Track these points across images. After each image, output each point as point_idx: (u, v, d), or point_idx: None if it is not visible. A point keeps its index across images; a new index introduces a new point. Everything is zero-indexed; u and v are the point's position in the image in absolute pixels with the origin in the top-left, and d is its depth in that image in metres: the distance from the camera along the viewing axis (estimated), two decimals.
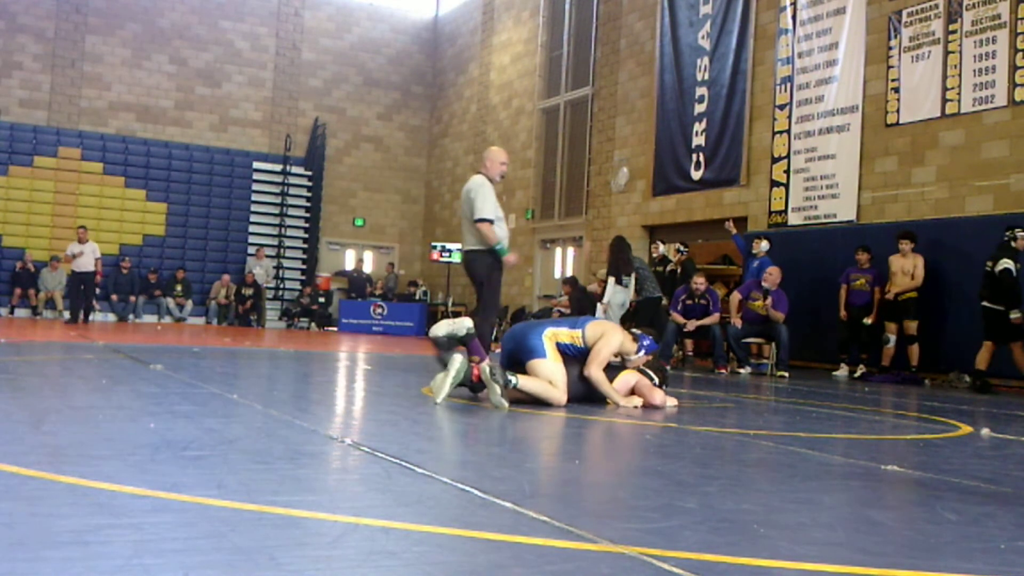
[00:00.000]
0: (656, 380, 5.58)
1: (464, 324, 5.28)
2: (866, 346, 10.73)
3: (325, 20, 23.21)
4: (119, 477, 2.49)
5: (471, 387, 5.08)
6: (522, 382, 5.02)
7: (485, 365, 4.92)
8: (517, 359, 5.34)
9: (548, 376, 5.16)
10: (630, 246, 11.54)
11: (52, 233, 19.75)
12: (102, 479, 2.44)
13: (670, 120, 15.01)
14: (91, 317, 16.33)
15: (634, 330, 5.69)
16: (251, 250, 21.22)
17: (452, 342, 5.20)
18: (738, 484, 3.08)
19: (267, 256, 21.12)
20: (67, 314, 16.79)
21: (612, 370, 5.51)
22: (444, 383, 4.94)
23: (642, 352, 5.50)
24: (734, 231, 12.45)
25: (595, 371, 5.32)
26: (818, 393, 7.78)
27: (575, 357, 5.36)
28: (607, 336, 5.34)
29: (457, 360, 4.98)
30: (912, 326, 10.22)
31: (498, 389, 4.83)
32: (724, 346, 10.95)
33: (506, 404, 4.85)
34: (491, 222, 6.61)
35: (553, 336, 5.30)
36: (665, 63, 15.24)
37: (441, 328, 5.28)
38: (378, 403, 5.05)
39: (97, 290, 17.29)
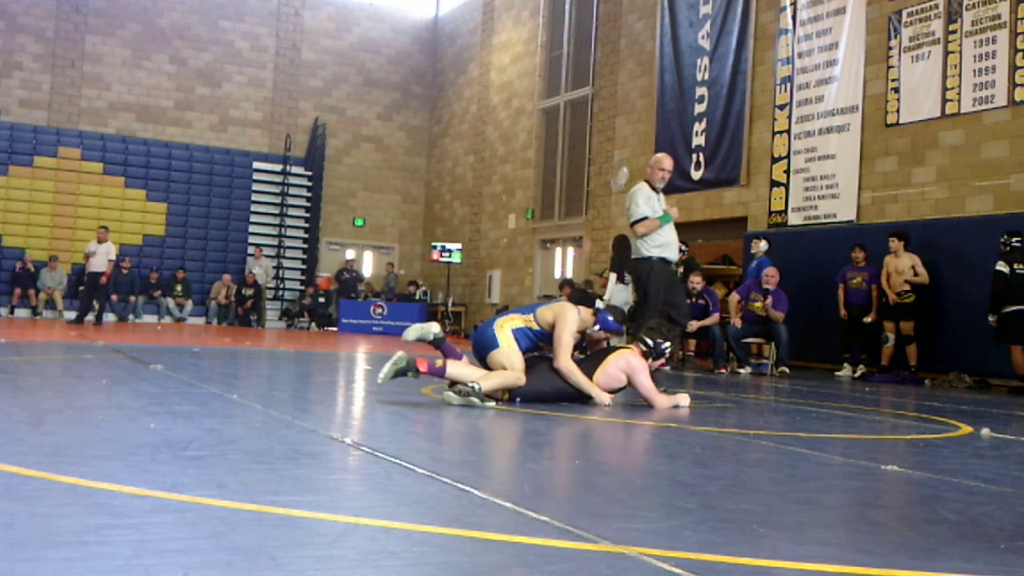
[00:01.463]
0: (651, 344, 5.43)
1: (431, 329, 5.29)
2: (865, 345, 10.73)
3: (325, 20, 23.21)
4: (119, 477, 2.49)
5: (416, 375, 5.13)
6: (483, 385, 4.96)
7: (451, 392, 4.92)
8: (481, 358, 5.33)
9: (502, 363, 5.11)
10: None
11: (52, 233, 19.76)
12: (102, 479, 2.44)
13: (670, 120, 15.01)
14: (103, 318, 16.17)
15: (598, 304, 5.66)
16: (251, 250, 21.21)
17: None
18: (738, 484, 3.08)
19: (267, 256, 21.11)
20: (67, 314, 16.78)
21: (601, 354, 5.43)
22: (386, 368, 4.98)
23: (598, 327, 5.44)
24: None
25: (564, 362, 5.22)
26: (818, 393, 7.78)
27: (534, 343, 5.30)
28: (561, 318, 5.24)
29: (397, 355, 5.02)
30: (908, 326, 10.22)
31: (474, 399, 4.84)
32: (724, 346, 10.95)
33: (491, 403, 4.84)
34: (643, 219, 6.96)
35: (506, 323, 5.28)
36: (665, 63, 15.24)
37: (411, 333, 5.31)
38: (378, 403, 5.05)
39: (114, 295, 17.23)
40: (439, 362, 5.06)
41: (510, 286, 19.75)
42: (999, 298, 9.21)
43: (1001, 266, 9.21)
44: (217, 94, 22.16)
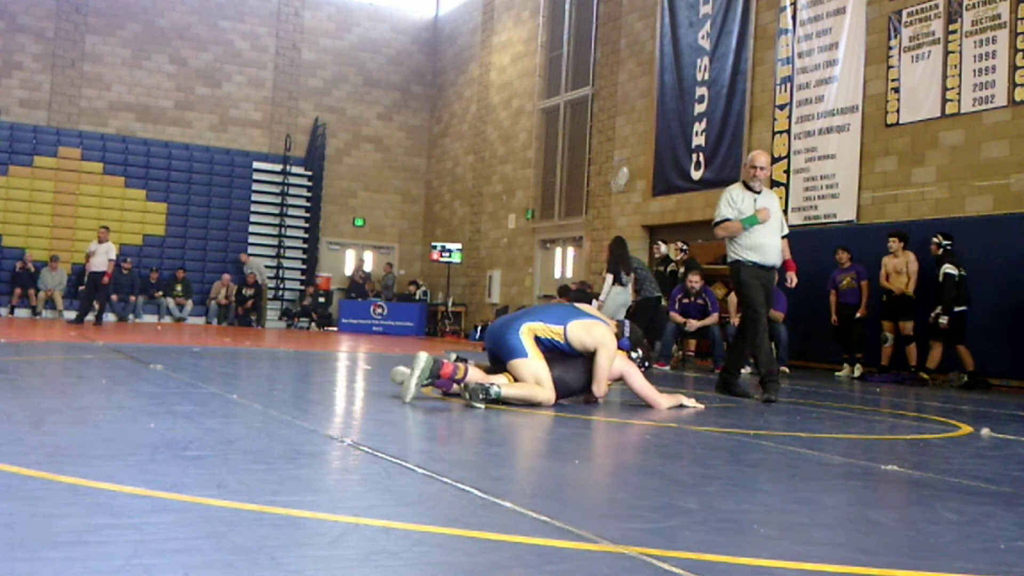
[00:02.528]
0: (639, 355, 5.51)
1: (419, 361, 4.92)
2: (861, 344, 10.74)
3: (325, 20, 23.21)
4: (119, 477, 2.49)
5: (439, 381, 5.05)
6: (505, 391, 4.85)
7: (463, 386, 4.84)
8: (498, 358, 5.21)
9: (532, 376, 4.98)
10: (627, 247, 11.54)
11: (52, 233, 19.76)
12: (102, 479, 2.44)
13: (670, 120, 15.01)
14: (103, 318, 16.17)
15: (624, 322, 5.61)
16: (251, 250, 21.21)
17: (424, 377, 4.94)
18: (738, 484, 3.08)
19: (260, 256, 21.06)
20: (67, 314, 16.71)
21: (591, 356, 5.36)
22: (410, 382, 4.86)
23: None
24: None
25: (603, 390, 5.26)
26: (818, 393, 7.78)
27: (551, 351, 5.18)
28: (605, 348, 5.14)
29: (421, 358, 4.90)
30: (908, 326, 10.23)
31: (466, 394, 4.78)
32: (724, 346, 10.94)
33: (480, 404, 4.77)
34: (725, 221, 6.67)
35: (531, 331, 5.12)
36: (665, 63, 15.24)
37: (397, 376, 5.05)
38: (378, 403, 5.05)
39: (114, 295, 17.21)
40: (460, 372, 4.99)
41: (510, 286, 19.74)
42: (951, 300, 9.45)
43: (950, 268, 9.48)
44: (217, 94, 22.16)
